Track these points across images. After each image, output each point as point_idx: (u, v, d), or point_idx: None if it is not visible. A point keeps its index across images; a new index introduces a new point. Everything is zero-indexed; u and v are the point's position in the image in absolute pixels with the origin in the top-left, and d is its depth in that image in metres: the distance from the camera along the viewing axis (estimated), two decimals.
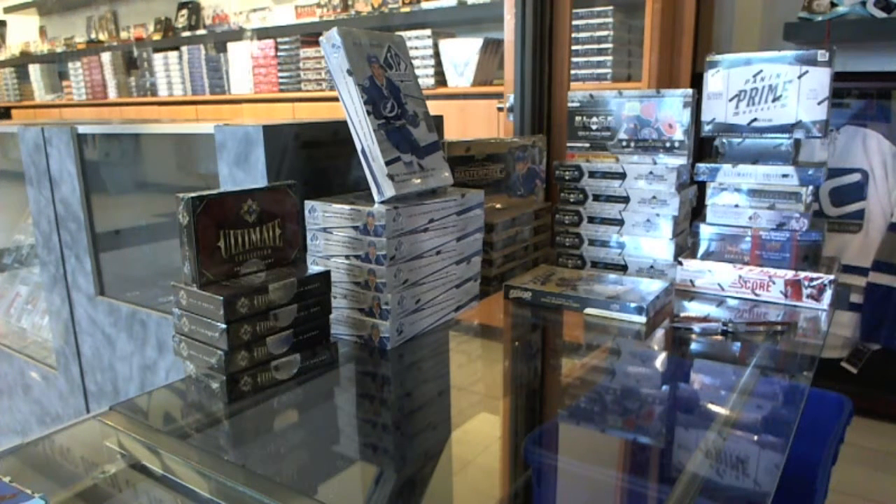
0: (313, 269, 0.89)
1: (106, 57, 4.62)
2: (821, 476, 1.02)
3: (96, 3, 4.97)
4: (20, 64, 5.43)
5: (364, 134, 0.93)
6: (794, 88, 1.10)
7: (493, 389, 0.90)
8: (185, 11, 4.24)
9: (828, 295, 1.08)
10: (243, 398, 0.79)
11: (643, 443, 0.73)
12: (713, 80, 1.15)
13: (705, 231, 1.19)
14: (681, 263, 1.20)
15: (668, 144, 1.23)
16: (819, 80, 1.08)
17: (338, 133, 1.14)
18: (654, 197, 1.23)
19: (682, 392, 0.89)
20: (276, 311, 0.81)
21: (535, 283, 1.15)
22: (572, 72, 1.94)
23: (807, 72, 1.08)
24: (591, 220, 1.30)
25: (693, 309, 1.14)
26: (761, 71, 1.12)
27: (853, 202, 1.72)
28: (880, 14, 1.58)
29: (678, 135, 1.22)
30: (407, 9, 3.09)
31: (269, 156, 1.05)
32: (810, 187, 1.12)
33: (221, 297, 0.75)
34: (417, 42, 2.99)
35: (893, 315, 1.63)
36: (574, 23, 2.12)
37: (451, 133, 1.38)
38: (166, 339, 1.38)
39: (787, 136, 1.12)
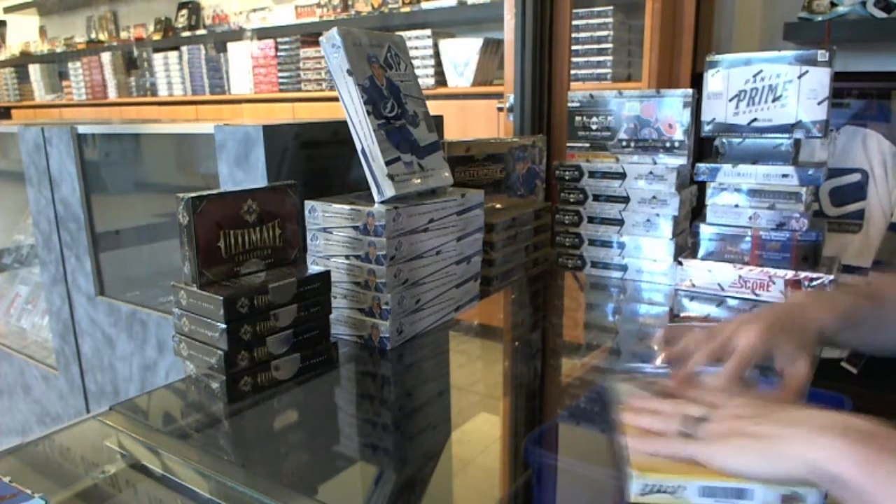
0: (313, 269, 0.89)
1: (106, 57, 4.62)
2: None
3: (96, 3, 4.97)
4: (20, 64, 5.42)
5: (364, 134, 0.93)
6: (794, 88, 1.10)
7: (493, 389, 0.90)
8: (185, 11, 4.24)
9: None
10: (243, 398, 0.79)
11: None
12: (713, 80, 1.15)
13: (705, 231, 1.19)
14: (681, 263, 1.20)
15: (668, 144, 1.23)
16: (819, 80, 1.08)
17: (338, 133, 1.14)
18: (654, 197, 1.23)
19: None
20: (276, 311, 0.81)
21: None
22: (572, 72, 1.94)
23: (807, 72, 1.08)
24: (591, 220, 1.30)
25: (693, 309, 1.14)
26: (761, 71, 1.12)
27: (853, 202, 1.72)
28: (880, 14, 1.57)
29: (678, 135, 1.22)
30: (407, 9, 3.09)
31: (269, 156, 1.05)
32: (810, 187, 1.12)
33: (221, 297, 0.75)
34: (417, 42, 2.99)
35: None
36: (574, 23, 2.12)
37: (451, 133, 1.37)
38: (166, 339, 1.38)
39: (787, 136, 1.12)
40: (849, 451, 0.44)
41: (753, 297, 1.13)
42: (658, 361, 0.85)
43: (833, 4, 1.61)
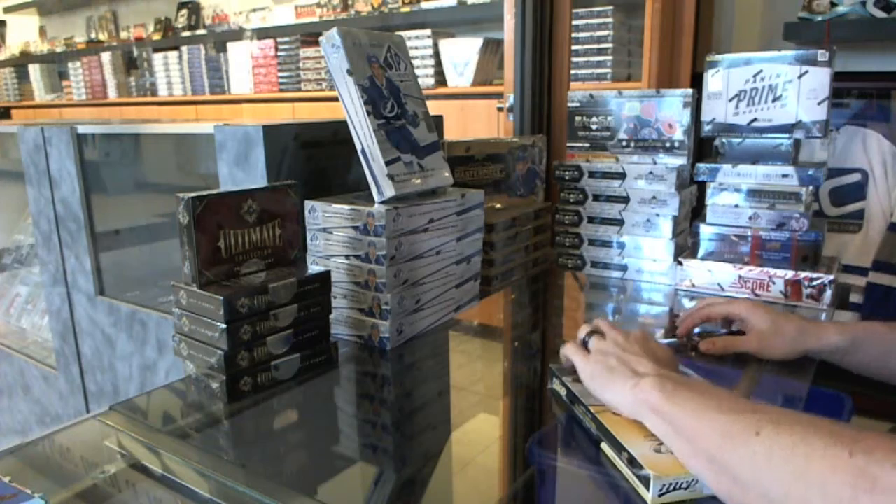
0: (313, 269, 0.89)
1: (106, 57, 4.61)
2: None
3: (96, 3, 4.97)
4: (20, 64, 5.42)
5: (364, 134, 0.93)
6: (794, 88, 1.10)
7: (493, 389, 0.90)
8: (185, 11, 4.24)
9: (828, 295, 1.08)
10: (243, 398, 0.79)
11: None
12: (713, 80, 1.15)
13: (705, 231, 1.19)
14: (681, 263, 1.20)
15: (668, 144, 1.23)
16: (819, 80, 1.08)
17: (338, 133, 1.14)
18: (654, 197, 1.23)
19: None
20: (276, 311, 0.81)
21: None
22: (572, 72, 1.94)
23: (807, 72, 1.08)
24: (591, 220, 1.30)
25: None
26: (761, 71, 1.12)
27: (853, 202, 1.72)
28: (880, 14, 1.57)
29: (678, 135, 1.22)
30: (407, 9, 3.09)
31: (269, 156, 1.05)
32: (810, 187, 1.12)
33: (221, 297, 0.75)
34: (417, 42, 2.99)
35: (893, 315, 1.62)
36: (574, 23, 2.12)
37: (451, 133, 1.37)
38: (166, 339, 1.38)
39: (787, 136, 1.12)
40: (660, 389, 0.61)
41: (753, 297, 1.13)
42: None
43: (833, 4, 1.61)
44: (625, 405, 0.65)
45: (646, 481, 0.57)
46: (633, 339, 0.75)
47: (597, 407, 0.69)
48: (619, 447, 0.62)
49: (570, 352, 0.77)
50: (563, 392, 0.77)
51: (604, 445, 0.66)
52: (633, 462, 0.59)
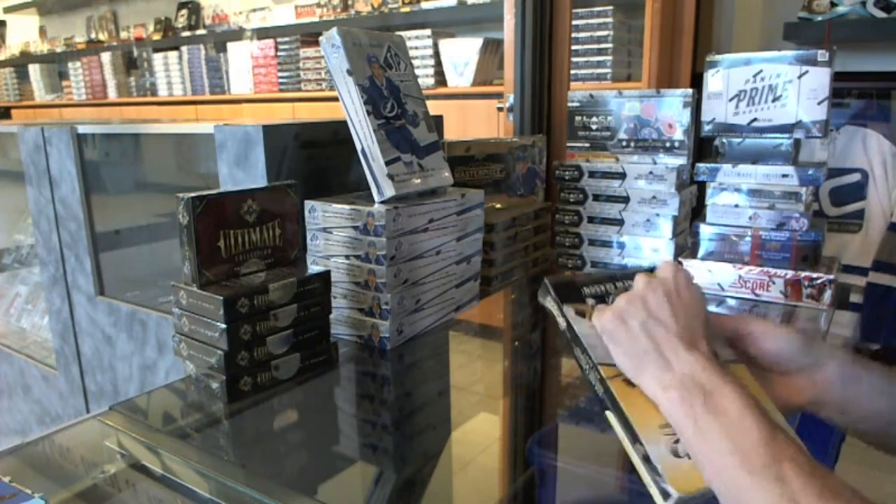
0: (313, 269, 0.89)
1: (106, 57, 4.61)
2: None
3: (96, 3, 4.97)
4: (20, 64, 5.42)
5: (364, 134, 0.93)
6: (794, 88, 1.09)
7: (493, 389, 0.90)
8: (185, 11, 4.24)
9: (827, 295, 1.08)
10: (243, 398, 0.79)
11: None
12: (713, 80, 1.15)
13: (705, 231, 1.19)
14: (681, 263, 1.20)
15: (668, 144, 1.23)
16: (819, 80, 1.08)
17: (338, 133, 1.14)
18: (654, 197, 1.23)
19: None
20: (276, 311, 0.81)
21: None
22: (572, 72, 1.94)
23: (807, 72, 1.08)
24: (591, 220, 1.30)
25: None
26: (761, 71, 1.12)
27: (853, 202, 1.72)
28: (880, 14, 1.58)
29: (678, 135, 1.22)
30: (407, 9, 3.09)
31: (269, 156, 1.05)
32: (810, 187, 1.12)
33: (221, 297, 0.75)
34: (417, 42, 2.99)
35: (893, 315, 1.62)
36: (574, 23, 2.12)
37: (451, 133, 1.37)
38: (166, 339, 1.38)
39: (787, 136, 1.12)
40: (689, 406, 0.52)
41: (753, 297, 1.13)
42: None
43: (833, 4, 1.61)
44: (646, 391, 0.56)
45: (665, 494, 0.54)
46: (665, 293, 0.59)
47: (606, 368, 0.59)
48: (633, 436, 0.56)
49: (596, 314, 0.61)
50: (560, 320, 0.64)
51: (609, 414, 0.58)
52: (647, 460, 0.56)
